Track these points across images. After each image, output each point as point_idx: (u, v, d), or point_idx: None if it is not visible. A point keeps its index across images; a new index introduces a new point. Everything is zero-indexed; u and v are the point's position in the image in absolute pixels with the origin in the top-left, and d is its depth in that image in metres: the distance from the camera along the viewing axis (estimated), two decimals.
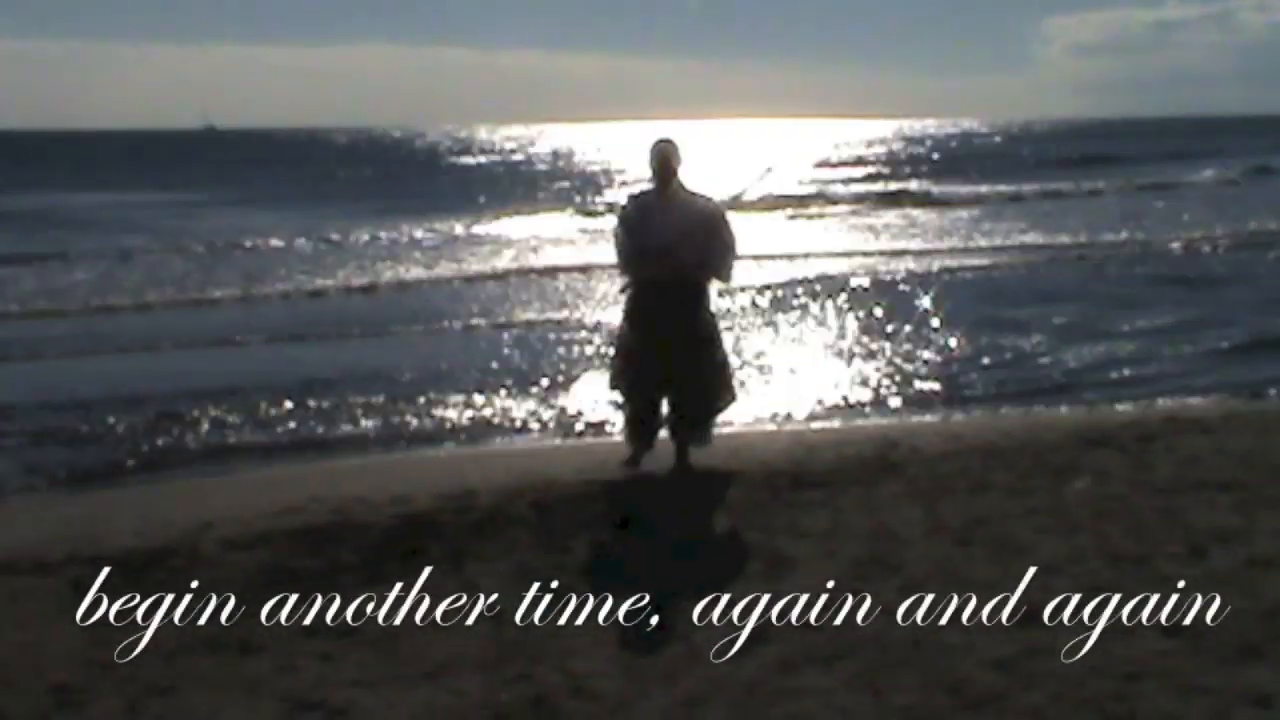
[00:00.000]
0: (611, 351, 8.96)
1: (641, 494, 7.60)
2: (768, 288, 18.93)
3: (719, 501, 7.30)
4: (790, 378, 12.31)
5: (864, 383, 11.99)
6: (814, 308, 17.11)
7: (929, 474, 7.77)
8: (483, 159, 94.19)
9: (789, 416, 10.67)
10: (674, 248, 7.94)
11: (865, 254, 25.11)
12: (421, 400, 11.42)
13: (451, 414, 10.94)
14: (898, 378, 12.16)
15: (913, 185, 50.02)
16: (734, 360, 9.63)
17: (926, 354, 13.36)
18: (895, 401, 11.25)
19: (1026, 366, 12.80)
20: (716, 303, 8.50)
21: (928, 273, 21.25)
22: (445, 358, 13.49)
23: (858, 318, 16.10)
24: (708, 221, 8.12)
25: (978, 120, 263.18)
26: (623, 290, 8.28)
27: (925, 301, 17.39)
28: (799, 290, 18.79)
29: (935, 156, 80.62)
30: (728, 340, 9.21)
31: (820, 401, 11.16)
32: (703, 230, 8.05)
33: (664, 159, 8.15)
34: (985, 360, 13.01)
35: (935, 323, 15.44)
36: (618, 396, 8.66)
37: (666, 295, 8.03)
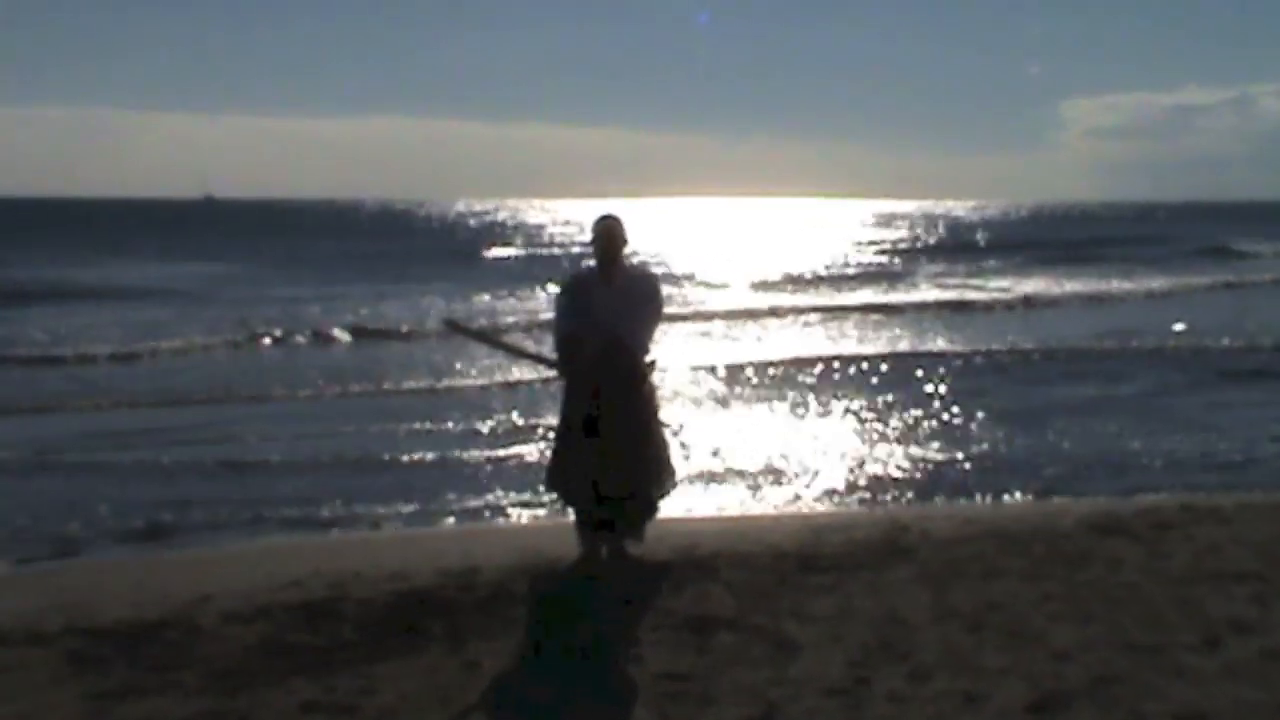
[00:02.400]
0: (550, 449, 8.26)
1: (648, 573, 7.49)
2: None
3: (726, 583, 7.18)
4: (801, 461, 12.21)
5: (876, 466, 11.89)
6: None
7: (939, 559, 7.66)
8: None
9: (797, 499, 10.56)
10: (620, 332, 7.57)
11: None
12: (426, 479, 11.37)
13: (457, 492, 10.86)
14: (914, 462, 12.06)
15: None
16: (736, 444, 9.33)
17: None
18: (907, 485, 11.13)
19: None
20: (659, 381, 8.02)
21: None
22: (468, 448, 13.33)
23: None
24: (650, 296, 7.82)
25: (1006, 201, 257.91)
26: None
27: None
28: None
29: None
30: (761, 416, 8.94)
31: (829, 485, 11.05)
32: (644, 307, 7.74)
33: (610, 236, 7.73)
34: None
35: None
36: (554, 496, 8.22)
37: (607, 382, 7.55)
